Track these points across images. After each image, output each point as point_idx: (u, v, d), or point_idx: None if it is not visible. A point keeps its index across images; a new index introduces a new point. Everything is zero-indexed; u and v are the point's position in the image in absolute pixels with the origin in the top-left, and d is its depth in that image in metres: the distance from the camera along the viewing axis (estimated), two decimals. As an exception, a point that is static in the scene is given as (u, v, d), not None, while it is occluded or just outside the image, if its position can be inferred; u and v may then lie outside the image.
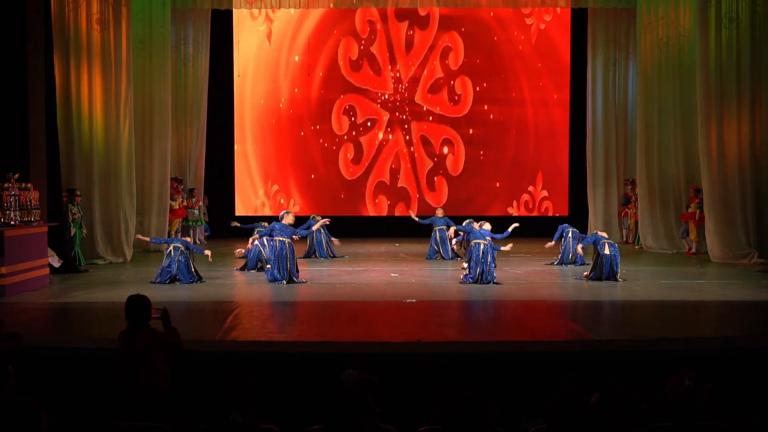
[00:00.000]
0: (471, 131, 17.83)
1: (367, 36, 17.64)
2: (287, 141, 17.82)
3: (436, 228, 13.68)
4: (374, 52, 17.65)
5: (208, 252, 10.96)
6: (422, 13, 17.48)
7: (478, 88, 17.74)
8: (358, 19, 17.56)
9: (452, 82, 17.73)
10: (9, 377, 4.53)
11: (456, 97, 17.78)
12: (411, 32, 17.65)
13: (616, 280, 10.59)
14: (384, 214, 17.90)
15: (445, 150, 17.86)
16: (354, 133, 17.82)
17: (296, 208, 17.23)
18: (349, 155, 17.83)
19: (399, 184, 17.89)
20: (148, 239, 12.10)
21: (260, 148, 17.83)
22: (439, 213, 14.16)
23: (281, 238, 10.79)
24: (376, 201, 17.90)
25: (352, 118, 17.79)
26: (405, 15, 17.54)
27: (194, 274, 10.67)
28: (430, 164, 17.84)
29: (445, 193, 17.69)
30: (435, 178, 17.84)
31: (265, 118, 17.80)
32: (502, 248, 10.94)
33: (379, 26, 17.60)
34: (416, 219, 14.17)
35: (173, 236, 15.43)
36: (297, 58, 17.61)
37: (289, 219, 11.19)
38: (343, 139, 17.81)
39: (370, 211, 17.87)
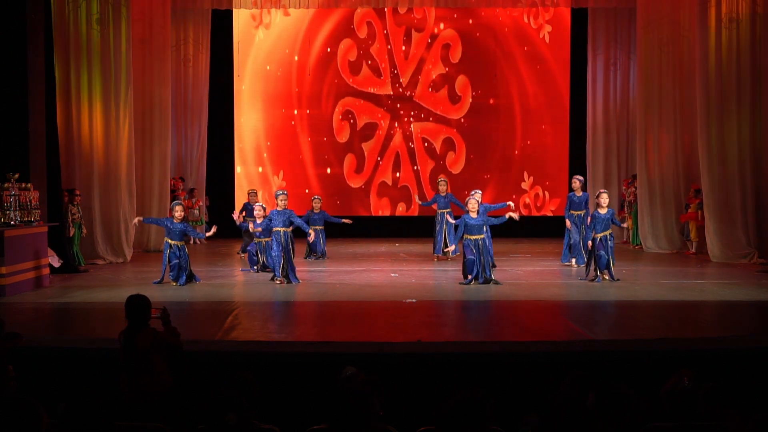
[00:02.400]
0: (471, 131, 17.82)
1: (367, 36, 17.63)
2: (287, 141, 17.81)
3: (439, 211, 12.96)
4: (374, 52, 17.64)
5: (213, 228, 10.86)
6: (419, 14, 17.48)
7: (479, 91, 17.74)
8: (358, 20, 17.54)
9: (452, 84, 17.73)
10: (9, 377, 4.52)
11: (456, 98, 17.77)
12: (411, 34, 17.65)
13: (612, 276, 10.55)
14: (384, 214, 17.89)
15: (445, 150, 17.83)
16: (355, 132, 17.80)
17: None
18: (349, 155, 17.82)
19: (400, 184, 17.89)
20: (140, 218, 11.49)
21: (260, 149, 17.82)
22: (442, 188, 13.12)
23: (280, 229, 10.59)
24: (377, 201, 17.89)
25: (353, 119, 17.78)
26: (405, 18, 17.54)
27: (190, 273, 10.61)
28: (430, 164, 17.84)
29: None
30: (436, 178, 17.81)
31: (265, 118, 17.79)
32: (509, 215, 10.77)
33: (379, 27, 17.60)
34: (420, 202, 14.01)
35: None
36: (296, 58, 17.60)
37: (283, 202, 10.77)
38: (344, 139, 17.80)
39: (370, 211, 17.86)
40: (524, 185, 17.93)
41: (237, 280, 11.10)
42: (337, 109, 17.70)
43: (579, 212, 12.14)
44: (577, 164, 17.36)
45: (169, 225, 10.61)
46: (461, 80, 17.70)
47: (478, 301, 9.30)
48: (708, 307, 9.04)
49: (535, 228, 17.37)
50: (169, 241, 10.51)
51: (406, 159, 17.84)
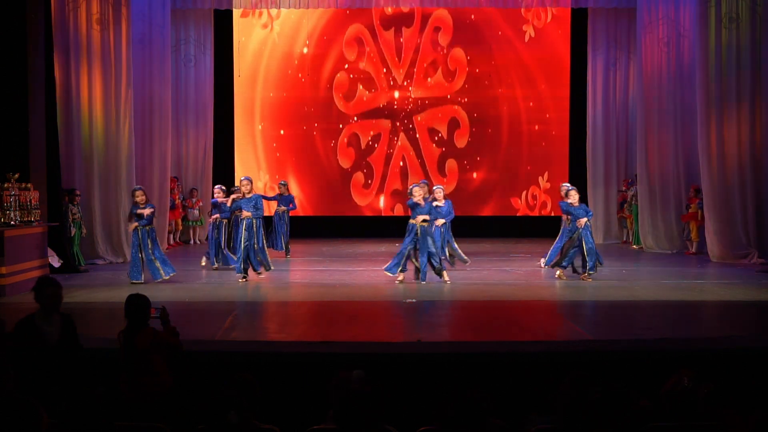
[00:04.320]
0: (471, 131, 17.80)
1: (368, 37, 17.63)
2: (287, 141, 17.82)
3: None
4: (375, 54, 17.63)
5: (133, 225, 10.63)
6: (422, 16, 17.49)
7: (479, 90, 17.73)
8: (360, 20, 17.54)
9: (445, 62, 17.71)
10: (9, 377, 4.52)
11: (456, 100, 17.78)
12: (411, 35, 17.65)
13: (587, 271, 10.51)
14: (384, 214, 17.89)
15: (451, 129, 17.81)
16: (355, 133, 17.81)
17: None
18: (349, 155, 17.82)
19: (400, 184, 17.87)
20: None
21: (260, 149, 17.83)
22: (438, 194, 11.49)
23: (247, 214, 10.66)
24: (378, 201, 17.87)
25: (354, 119, 17.78)
26: (406, 18, 17.54)
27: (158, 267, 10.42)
28: (429, 164, 17.83)
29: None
30: (435, 179, 17.81)
31: (266, 118, 17.79)
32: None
33: (380, 28, 17.61)
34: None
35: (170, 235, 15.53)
36: (296, 60, 17.60)
37: (246, 187, 10.82)
38: (344, 140, 17.80)
39: (370, 211, 17.86)
40: (541, 181, 17.84)
41: (237, 280, 11.09)
42: (336, 105, 17.68)
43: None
44: (577, 164, 17.37)
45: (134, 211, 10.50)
46: (460, 86, 17.69)
47: (478, 301, 9.30)
48: (708, 307, 9.05)
49: (535, 228, 17.37)
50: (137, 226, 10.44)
51: (407, 160, 17.83)
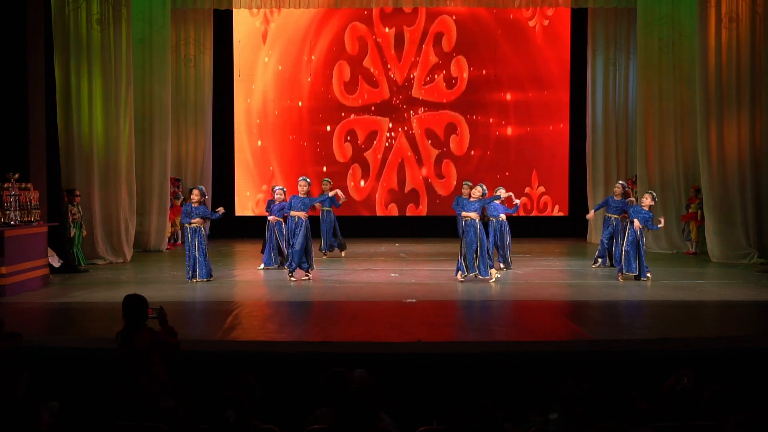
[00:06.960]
0: (470, 131, 17.80)
1: (369, 36, 17.62)
2: (287, 141, 17.81)
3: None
4: (376, 53, 17.61)
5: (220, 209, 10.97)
6: (424, 15, 17.49)
7: (479, 89, 17.74)
8: (359, 19, 17.54)
9: (448, 69, 17.73)
10: (22, 381, 4.55)
11: (455, 93, 17.77)
12: (413, 35, 17.65)
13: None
14: (384, 214, 17.88)
15: (448, 134, 17.82)
16: (354, 131, 17.80)
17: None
18: (348, 154, 17.81)
19: (407, 189, 17.85)
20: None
21: (260, 149, 17.82)
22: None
23: (296, 213, 10.71)
24: (380, 202, 17.87)
25: (352, 117, 17.77)
26: (408, 18, 17.54)
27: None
28: (427, 164, 17.83)
29: (446, 195, 17.66)
30: (437, 180, 17.82)
31: (265, 118, 17.79)
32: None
33: (381, 27, 17.60)
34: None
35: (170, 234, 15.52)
36: (296, 60, 17.59)
37: (304, 188, 10.82)
38: (344, 139, 17.80)
39: (368, 211, 17.84)
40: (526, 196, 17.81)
41: (237, 280, 11.10)
42: (335, 103, 17.66)
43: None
44: (577, 164, 17.37)
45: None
46: (458, 61, 17.69)
47: (478, 301, 9.30)
48: (708, 307, 9.04)
49: (535, 228, 17.37)
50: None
51: (413, 163, 17.83)
